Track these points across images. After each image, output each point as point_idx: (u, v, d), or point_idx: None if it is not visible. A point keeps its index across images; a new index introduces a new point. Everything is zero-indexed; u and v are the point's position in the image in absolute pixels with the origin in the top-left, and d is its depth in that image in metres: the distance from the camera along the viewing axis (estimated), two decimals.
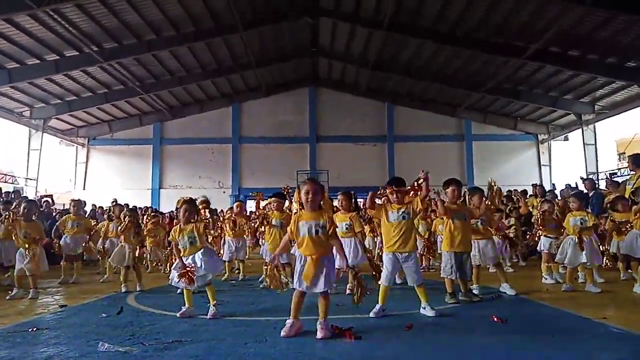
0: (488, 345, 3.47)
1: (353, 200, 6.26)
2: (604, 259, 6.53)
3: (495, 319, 4.18)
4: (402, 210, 4.56)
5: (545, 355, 3.19)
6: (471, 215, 5.46)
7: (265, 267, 7.12)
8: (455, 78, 17.29)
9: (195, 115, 21.07)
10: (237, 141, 21.09)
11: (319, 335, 3.66)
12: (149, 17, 13.32)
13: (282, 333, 3.70)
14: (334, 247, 3.95)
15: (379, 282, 4.60)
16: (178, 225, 4.80)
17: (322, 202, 4.07)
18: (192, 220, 4.73)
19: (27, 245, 6.05)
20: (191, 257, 4.61)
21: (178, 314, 4.53)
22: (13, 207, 6.74)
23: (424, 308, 4.50)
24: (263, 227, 6.88)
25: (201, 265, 4.55)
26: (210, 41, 15.37)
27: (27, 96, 16.12)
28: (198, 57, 16.41)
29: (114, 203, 9.09)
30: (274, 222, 6.77)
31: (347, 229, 6.01)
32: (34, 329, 4.06)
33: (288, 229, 4.02)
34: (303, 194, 3.95)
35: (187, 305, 4.61)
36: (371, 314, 4.41)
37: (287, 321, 3.79)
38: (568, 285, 6.02)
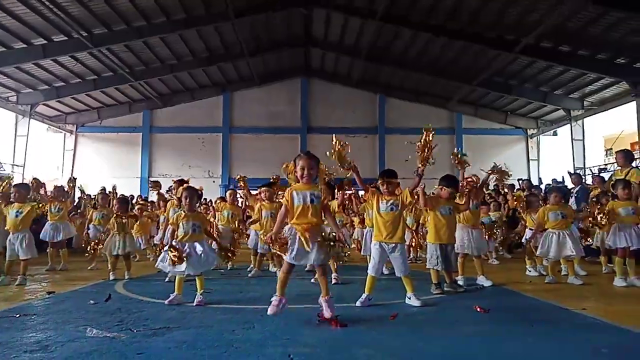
0: (470, 334, 3.56)
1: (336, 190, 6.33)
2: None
3: (478, 309, 4.28)
4: (391, 201, 4.63)
5: (524, 343, 3.28)
6: (457, 210, 5.56)
7: (254, 257, 7.22)
8: (447, 70, 17.34)
9: (185, 104, 20.89)
10: (227, 131, 20.98)
11: (326, 315, 3.73)
12: (140, 3, 13.13)
13: (270, 311, 3.72)
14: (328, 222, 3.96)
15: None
16: (182, 211, 4.82)
17: (317, 176, 4.03)
18: (196, 208, 4.78)
19: (18, 226, 6.01)
20: (191, 244, 4.63)
21: (166, 302, 4.57)
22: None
23: (409, 298, 4.58)
24: (249, 212, 6.94)
25: (201, 255, 4.58)
26: (201, 29, 15.21)
27: (13, 81, 15.84)
28: (189, 44, 16.24)
29: (102, 191, 9.05)
30: (264, 214, 6.81)
31: None
32: (22, 315, 4.07)
33: (283, 200, 3.98)
34: (299, 169, 3.92)
35: (176, 292, 4.64)
36: (357, 303, 4.49)
37: (273, 299, 3.79)
38: (551, 278, 6.16)
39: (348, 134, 20.78)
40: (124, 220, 6.63)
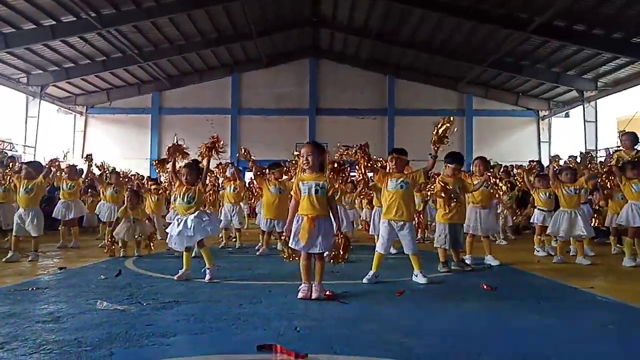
0: (477, 310, 3.58)
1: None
2: None
3: (485, 287, 4.28)
4: (401, 179, 4.62)
5: (531, 320, 3.28)
6: (464, 190, 5.53)
7: (262, 235, 7.27)
8: (457, 51, 17.06)
9: (194, 85, 20.85)
10: (236, 112, 20.95)
11: (313, 295, 3.76)
12: None
13: (300, 295, 3.78)
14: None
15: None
16: (181, 183, 4.84)
17: (325, 170, 4.00)
18: (194, 182, 4.79)
19: (29, 203, 6.08)
20: (185, 217, 4.66)
21: (175, 277, 4.64)
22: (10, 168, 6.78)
23: (416, 275, 4.60)
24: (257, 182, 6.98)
25: (191, 227, 4.59)
26: (210, 9, 15.09)
27: (23, 62, 15.89)
28: (198, 25, 16.13)
29: (112, 171, 9.11)
30: (271, 189, 6.86)
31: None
32: (34, 288, 4.16)
33: (292, 192, 4.04)
34: (301, 157, 3.97)
35: (184, 268, 4.70)
36: (364, 280, 4.52)
37: (302, 286, 3.85)
38: (559, 257, 6.13)
39: (357, 116, 20.72)
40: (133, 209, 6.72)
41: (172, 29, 16.00)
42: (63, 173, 7.99)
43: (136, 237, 6.66)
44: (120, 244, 6.63)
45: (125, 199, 6.84)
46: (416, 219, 8.04)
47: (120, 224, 6.74)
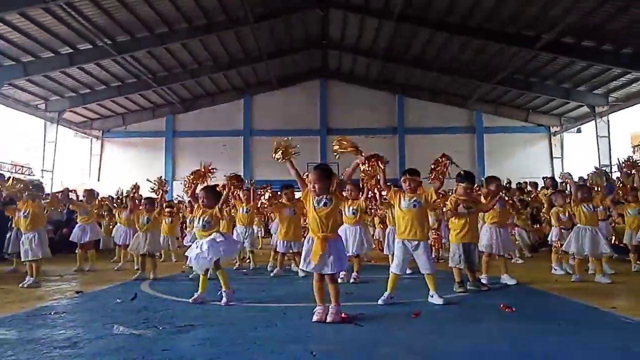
0: (495, 333, 3.53)
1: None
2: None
3: (503, 308, 4.22)
4: (414, 198, 4.62)
5: (551, 342, 3.22)
6: (478, 210, 5.50)
7: (275, 256, 7.28)
8: (466, 69, 17.15)
9: (207, 108, 21.19)
10: (248, 134, 21.19)
11: (328, 319, 3.74)
12: (161, 10, 13.39)
13: (315, 318, 3.77)
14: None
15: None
16: (199, 207, 4.90)
17: (332, 187, 4.00)
18: (212, 206, 4.83)
19: (28, 226, 6.06)
20: (199, 240, 4.71)
21: (190, 300, 4.64)
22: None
23: (432, 296, 4.55)
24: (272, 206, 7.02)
25: (205, 249, 4.61)
26: (221, 34, 15.44)
27: (42, 89, 16.34)
28: (210, 50, 16.49)
29: (128, 195, 9.24)
30: (285, 212, 6.89)
31: (353, 214, 6.18)
32: (52, 313, 4.20)
33: (302, 194, 4.11)
34: (309, 183, 4.02)
35: (200, 291, 4.71)
36: (380, 302, 4.48)
37: (316, 309, 3.84)
38: (577, 276, 6.03)
39: (367, 135, 20.78)
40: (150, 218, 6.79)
41: (185, 54, 16.36)
42: (81, 197, 8.14)
43: (147, 251, 6.67)
44: (137, 265, 6.69)
45: (142, 206, 6.93)
46: (431, 237, 8.04)
47: (134, 239, 6.80)
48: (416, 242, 4.56)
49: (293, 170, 4.27)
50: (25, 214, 6.14)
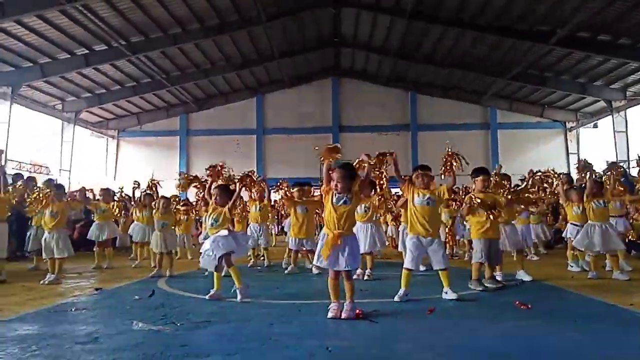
0: (511, 329, 3.50)
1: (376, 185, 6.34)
2: None
3: (519, 305, 4.20)
4: (427, 196, 4.61)
5: (569, 339, 3.20)
6: (499, 205, 5.44)
7: (289, 254, 7.32)
8: (479, 65, 17.01)
9: (220, 107, 21.36)
10: (261, 132, 21.31)
11: (343, 315, 3.77)
12: (175, 10, 13.53)
13: (330, 314, 3.80)
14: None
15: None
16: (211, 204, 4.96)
17: (354, 187, 4.00)
18: (223, 204, 4.88)
19: (52, 226, 6.20)
20: (213, 236, 4.78)
21: (207, 297, 4.70)
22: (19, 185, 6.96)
23: (446, 292, 4.55)
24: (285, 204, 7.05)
25: (213, 245, 4.67)
26: (234, 34, 15.53)
27: (59, 90, 16.63)
28: (222, 49, 16.61)
29: (145, 193, 9.35)
30: (298, 209, 6.93)
31: (365, 211, 6.19)
32: (73, 309, 4.30)
33: (323, 189, 4.10)
34: (333, 181, 4.03)
35: (215, 288, 4.77)
36: (395, 298, 4.49)
37: (331, 305, 3.87)
38: (594, 273, 5.96)
39: (380, 132, 20.75)
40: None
41: (199, 54, 16.50)
42: (98, 197, 8.27)
43: (165, 249, 6.77)
44: (154, 263, 6.80)
45: (159, 204, 7.02)
46: (445, 234, 8.00)
47: (153, 237, 6.91)
48: (430, 238, 4.56)
49: (327, 168, 4.22)
50: (53, 213, 6.28)
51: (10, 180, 8.13)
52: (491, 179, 5.67)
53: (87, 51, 14.45)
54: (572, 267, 6.78)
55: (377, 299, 4.59)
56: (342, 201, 3.94)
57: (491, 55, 15.99)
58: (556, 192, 7.33)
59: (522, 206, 6.78)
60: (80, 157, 19.30)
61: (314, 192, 7.71)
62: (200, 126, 21.45)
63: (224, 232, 4.78)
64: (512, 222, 6.16)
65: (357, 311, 3.83)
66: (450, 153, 4.79)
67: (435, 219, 4.63)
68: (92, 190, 10.04)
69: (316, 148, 4.49)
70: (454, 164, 4.74)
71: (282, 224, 12.57)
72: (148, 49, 14.94)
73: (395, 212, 7.56)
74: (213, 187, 5.13)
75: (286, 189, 7.31)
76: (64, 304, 4.60)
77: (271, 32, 15.59)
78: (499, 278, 5.56)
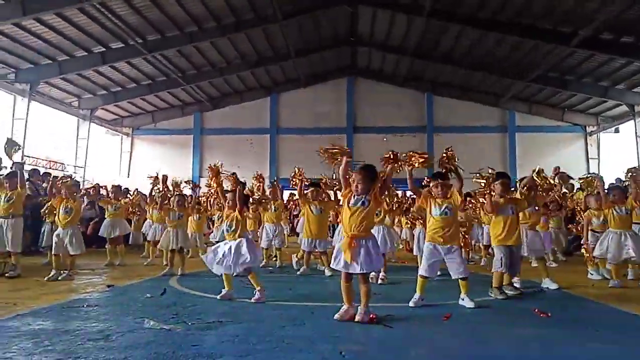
0: (530, 337, 3.39)
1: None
2: None
3: (538, 312, 4.08)
4: (445, 205, 4.51)
5: (589, 349, 3.09)
6: (520, 208, 5.31)
7: (302, 253, 7.26)
8: (498, 66, 16.75)
9: (234, 106, 21.37)
10: (275, 132, 21.28)
11: (357, 318, 3.69)
12: (191, 9, 13.56)
13: (336, 316, 3.74)
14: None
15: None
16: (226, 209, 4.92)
17: (374, 190, 3.90)
18: (234, 208, 4.83)
19: (65, 222, 6.21)
20: (229, 243, 4.72)
21: (218, 297, 4.67)
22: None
23: (463, 299, 4.44)
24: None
25: (229, 257, 4.60)
26: (250, 32, 15.53)
27: (75, 87, 16.79)
28: (238, 48, 16.62)
29: (161, 192, 9.38)
30: (313, 210, 6.88)
31: (376, 214, 6.10)
32: (85, 305, 4.29)
33: (343, 192, 4.04)
34: (352, 182, 3.95)
35: (226, 288, 4.73)
36: (410, 303, 4.39)
37: (343, 307, 3.82)
38: (615, 282, 5.79)
39: (395, 133, 20.59)
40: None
41: (214, 53, 16.53)
42: (109, 194, 8.32)
43: (177, 247, 6.76)
44: (166, 261, 6.79)
45: (173, 202, 7.02)
46: (461, 239, 7.83)
47: (164, 235, 6.90)
48: (449, 246, 4.46)
49: (344, 171, 4.12)
50: (67, 209, 6.30)
51: (26, 176, 8.20)
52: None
53: (103, 49, 14.56)
54: (592, 275, 6.60)
55: (392, 303, 4.50)
56: (360, 202, 3.87)
57: (511, 57, 15.72)
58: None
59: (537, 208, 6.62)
60: (95, 154, 19.49)
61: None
62: (215, 125, 21.49)
63: (243, 242, 4.67)
64: (535, 228, 6.00)
65: (372, 315, 3.75)
66: (448, 154, 4.66)
67: (454, 227, 4.53)
68: (105, 187, 10.09)
69: (320, 149, 4.40)
70: (453, 165, 4.61)
71: (295, 226, 12.52)
72: (164, 47, 15.00)
73: (410, 215, 7.45)
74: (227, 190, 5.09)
75: (306, 180, 7.23)
76: (77, 300, 4.61)
77: (287, 31, 15.55)
78: (517, 285, 5.42)
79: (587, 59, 14.48)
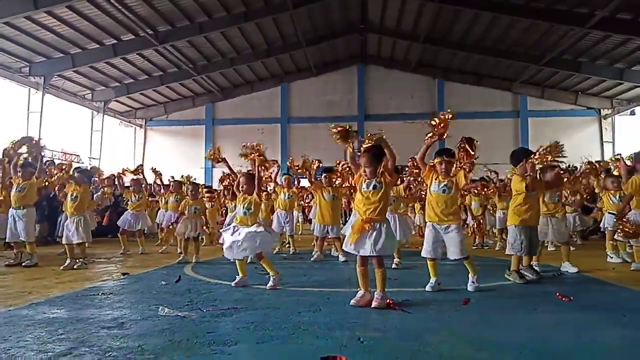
0: (553, 323, 3.29)
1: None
2: None
3: (560, 296, 3.98)
4: (445, 183, 4.40)
5: (618, 334, 2.99)
6: (540, 189, 5.18)
7: (316, 241, 7.22)
8: (511, 50, 16.42)
9: (245, 96, 21.36)
10: (286, 121, 21.22)
11: (373, 304, 3.63)
12: None
13: (352, 302, 3.69)
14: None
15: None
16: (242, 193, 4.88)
17: (379, 170, 3.84)
18: (251, 192, 4.79)
19: (72, 210, 6.15)
20: (241, 227, 4.67)
21: (233, 284, 4.65)
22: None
23: (473, 282, 4.36)
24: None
25: (243, 241, 4.56)
26: (260, 21, 15.41)
27: (88, 80, 16.91)
28: (248, 38, 16.52)
29: (173, 180, 9.40)
30: (325, 196, 6.83)
31: (391, 203, 6.03)
32: (100, 293, 4.29)
33: (355, 178, 4.00)
34: (360, 169, 3.90)
35: (240, 275, 4.71)
36: (427, 288, 4.32)
37: (359, 292, 3.78)
38: (638, 264, 5.64)
39: (407, 120, 20.35)
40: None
41: (224, 43, 16.46)
42: (130, 187, 8.39)
43: (196, 234, 6.76)
44: (180, 249, 6.81)
45: (187, 191, 7.04)
46: (475, 224, 7.76)
47: (181, 223, 6.92)
48: (446, 225, 4.36)
49: (350, 155, 4.06)
50: (73, 197, 6.23)
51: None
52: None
53: (115, 41, 14.58)
54: (612, 258, 6.46)
55: (409, 288, 4.43)
56: (371, 186, 3.80)
57: (524, 40, 15.38)
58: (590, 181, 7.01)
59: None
60: (109, 146, 19.66)
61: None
62: (226, 115, 21.51)
63: (258, 226, 4.64)
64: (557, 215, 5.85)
65: (388, 301, 3.69)
66: (464, 138, 4.56)
67: (452, 205, 4.38)
68: (122, 175, 9.99)
69: (331, 128, 4.33)
70: (470, 152, 4.49)
71: (308, 213, 12.50)
72: (175, 38, 14.97)
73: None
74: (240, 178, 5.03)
75: (319, 164, 7.18)
76: (92, 289, 4.61)
77: (297, 19, 15.40)
78: (536, 268, 5.31)
79: (602, 40, 14.12)
